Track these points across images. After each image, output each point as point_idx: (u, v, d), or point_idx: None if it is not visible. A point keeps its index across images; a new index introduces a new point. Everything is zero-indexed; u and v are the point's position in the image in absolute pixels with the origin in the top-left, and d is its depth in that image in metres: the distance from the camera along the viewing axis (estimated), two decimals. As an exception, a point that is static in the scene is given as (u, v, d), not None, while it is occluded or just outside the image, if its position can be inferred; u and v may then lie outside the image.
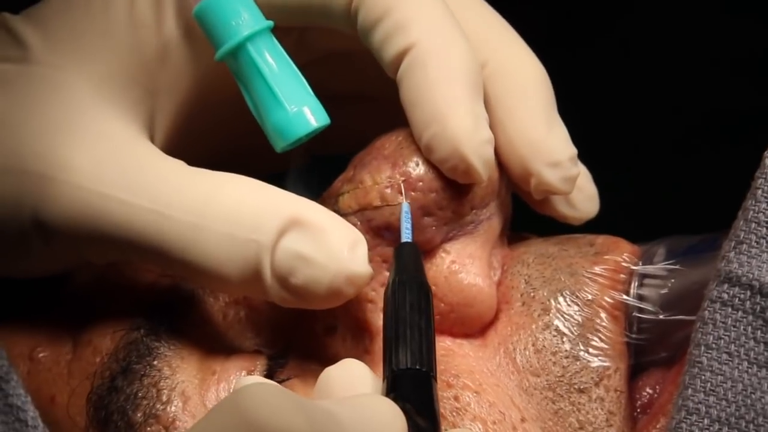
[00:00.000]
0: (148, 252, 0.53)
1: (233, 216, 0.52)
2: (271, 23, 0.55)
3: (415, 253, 0.54)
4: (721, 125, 0.86)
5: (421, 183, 0.55)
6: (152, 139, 0.57)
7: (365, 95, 0.65)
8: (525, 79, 0.57)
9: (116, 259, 0.55)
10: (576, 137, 0.60)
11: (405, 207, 0.55)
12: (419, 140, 0.55)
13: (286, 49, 0.56)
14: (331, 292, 0.52)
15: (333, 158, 0.59)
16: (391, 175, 0.55)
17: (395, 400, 0.47)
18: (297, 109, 0.54)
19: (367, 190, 0.55)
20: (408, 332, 0.50)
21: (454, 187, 0.55)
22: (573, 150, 0.57)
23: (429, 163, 0.55)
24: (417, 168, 0.55)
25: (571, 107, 0.59)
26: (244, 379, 0.51)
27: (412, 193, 0.55)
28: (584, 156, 0.61)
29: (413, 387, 0.49)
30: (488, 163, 0.55)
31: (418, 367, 0.50)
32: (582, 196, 0.61)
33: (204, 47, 0.56)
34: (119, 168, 0.53)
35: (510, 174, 0.57)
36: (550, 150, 0.56)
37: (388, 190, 0.55)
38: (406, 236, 0.54)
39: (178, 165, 0.54)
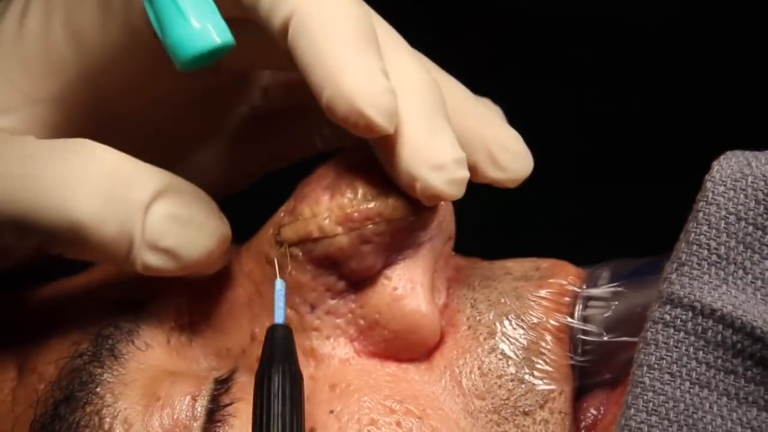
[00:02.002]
0: (24, 223, 0.52)
1: (109, 175, 0.52)
2: None
3: (287, 335, 0.53)
4: (664, 151, 0.87)
5: (356, 214, 0.55)
6: None
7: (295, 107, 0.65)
8: (405, 84, 0.55)
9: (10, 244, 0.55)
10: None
11: (279, 284, 0.54)
12: (320, 104, 0.53)
13: None
14: (204, 253, 0.53)
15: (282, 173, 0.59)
16: (329, 207, 0.55)
17: None
18: (201, 25, 0.53)
19: (306, 222, 0.55)
20: (277, 423, 0.51)
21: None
22: (459, 153, 0.54)
23: (366, 191, 0.55)
24: (354, 198, 0.55)
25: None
26: None
27: (349, 224, 0.55)
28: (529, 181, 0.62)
29: None
30: (389, 113, 0.53)
31: None
32: (509, 155, 0.59)
33: (94, 53, 0.56)
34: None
35: (398, 182, 0.55)
36: (432, 152, 0.54)
37: (326, 222, 0.55)
38: (279, 317, 0.54)
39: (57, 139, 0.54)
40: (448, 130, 0.55)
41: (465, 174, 0.54)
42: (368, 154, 0.56)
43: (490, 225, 0.65)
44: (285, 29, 0.53)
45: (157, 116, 0.60)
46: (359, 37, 0.53)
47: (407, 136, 0.54)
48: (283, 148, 0.64)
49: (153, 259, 0.53)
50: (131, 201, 0.52)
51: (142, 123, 0.57)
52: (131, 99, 0.56)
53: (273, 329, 0.53)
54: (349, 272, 0.55)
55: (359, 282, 0.56)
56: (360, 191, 0.55)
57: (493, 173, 0.59)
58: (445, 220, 0.58)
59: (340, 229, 0.55)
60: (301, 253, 0.55)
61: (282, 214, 0.56)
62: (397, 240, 0.56)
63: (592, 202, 0.85)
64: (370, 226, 0.55)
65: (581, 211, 0.84)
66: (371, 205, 0.55)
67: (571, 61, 0.87)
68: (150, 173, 0.53)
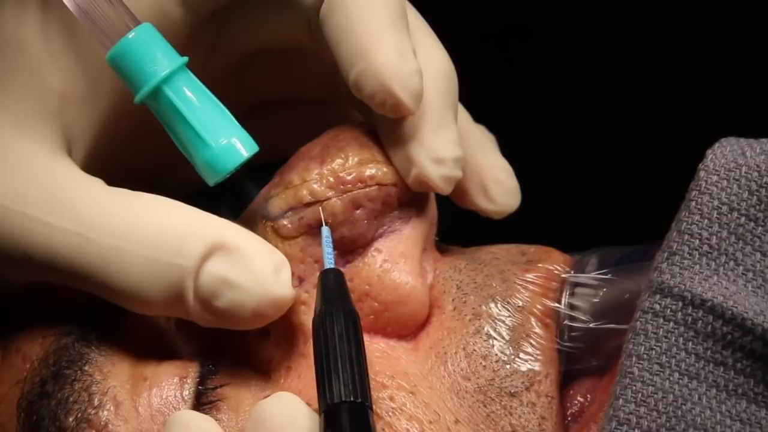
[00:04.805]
0: (69, 274, 0.53)
1: (156, 240, 0.52)
2: (185, 59, 0.54)
3: (340, 279, 0.53)
4: (655, 139, 0.86)
5: (349, 177, 0.55)
6: (70, 153, 0.55)
7: (294, 97, 0.65)
8: (428, 69, 0.56)
9: (36, 279, 0.54)
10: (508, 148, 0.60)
11: (325, 231, 0.55)
12: (347, 80, 0.54)
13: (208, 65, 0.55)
14: (255, 315, 0.52)
15: (266, 167, 0.59)
16: (320, 172, 0.55)
17: None
18: (223, 143, 0.53)
19: (297, 188, 0.55)
20: (339, 363, 0.50)
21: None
22: (459, 152, 0.56)
23: (357, 157, 0.55)
24: (345, 162, 0.55)
25: (508, 119, 0.59)
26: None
27: (341, 187, 0.55)
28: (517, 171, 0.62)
29: (350, 420, 0.49)
30: (416, 95, 0.54)
31: (352, 399, 0.49)
32: (501, 189, 0.62)
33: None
34: (40, 188, 0.53)
35: (393, 160, 0.56)
36: (436, 145, 0.55)
37: (317, 186, 0.55)
38: (329, 262, 0.54)
39: (99, 185, 0.54)
40: (455, 126, 0.56)
41: (459, 174, 0.56)
42: (354, 131, 0.57)
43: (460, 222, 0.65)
44: (319, 1, 0.54)
45: None
46: (393, 17, 0.54)
47: (417, 122, 0.55)
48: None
49: (209, 317, 0.53)
50: (178, 267, 0.52)
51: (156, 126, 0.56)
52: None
53: (324, 274, 0.53)
54: (340, 240, 0.55)
55: (349, 252, 0.56)
56: (350, 157, 0.56)
57: (483, 204, 0.61)
58: (430, 202, 0.58)
59: (331, 193, 0.55)
60: (289, 224, 0.55)
61: (267, 190, 0.56)
62: (388, 207, 0.56)
63: (581, 190, 0.85)
64: (363, 189, 0.55)
65: (570, 200, 0.84)
66: (363, 168, 0.55)
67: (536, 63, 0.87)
68: (196, 232, 0.52)
